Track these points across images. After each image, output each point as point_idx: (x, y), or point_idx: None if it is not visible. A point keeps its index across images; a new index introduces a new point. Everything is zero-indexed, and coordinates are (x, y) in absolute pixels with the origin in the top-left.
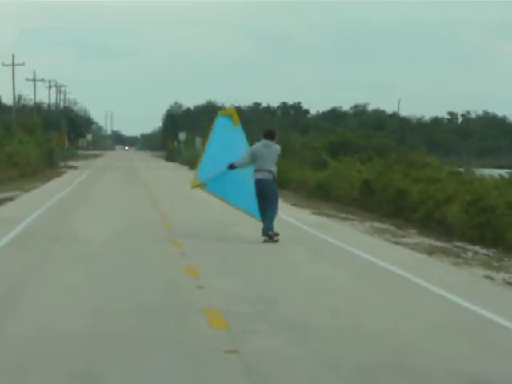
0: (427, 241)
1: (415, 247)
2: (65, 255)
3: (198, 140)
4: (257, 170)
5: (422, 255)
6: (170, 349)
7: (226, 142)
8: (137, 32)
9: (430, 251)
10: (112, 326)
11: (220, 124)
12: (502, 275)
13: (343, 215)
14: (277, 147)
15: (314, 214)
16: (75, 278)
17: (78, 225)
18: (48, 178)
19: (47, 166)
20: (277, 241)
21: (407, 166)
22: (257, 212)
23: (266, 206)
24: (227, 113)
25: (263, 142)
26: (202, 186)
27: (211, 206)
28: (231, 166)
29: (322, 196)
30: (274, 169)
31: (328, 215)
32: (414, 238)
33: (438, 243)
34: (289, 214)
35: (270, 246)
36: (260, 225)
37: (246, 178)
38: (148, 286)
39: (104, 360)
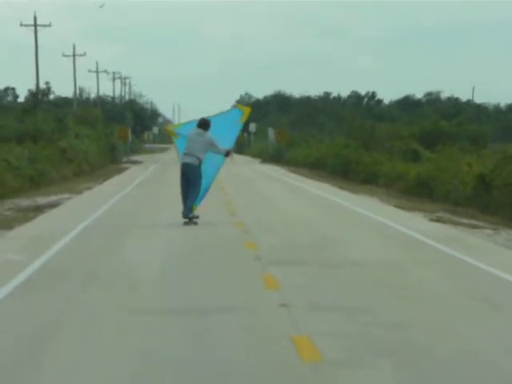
0: None
1: None
2: (93, 316)
3: (270, 130)
4: (185, 154)
5: None
6: None
7: (223, 127)
8: (198, 26)
9: None
10: None
11: (233, 112)
12: None
13: (465, 221)
14: (208, 137)
15: (432, 220)
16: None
17: (129, 252)
18: (106, 176)
19: (108, 161)
20: (196, 223)
21: None
22: (200, 198)
23: (188, 189)
24: (244, 109)
25: (196, 130)
26: (174, 134)
27: (301, 214)
28: None
29: (422, 193)
30: (202, 157)
31: (449, 222)
32: None
33: None
34: (399, 222)
35: (409, 287)
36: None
37: (208, 166)
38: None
39: None
